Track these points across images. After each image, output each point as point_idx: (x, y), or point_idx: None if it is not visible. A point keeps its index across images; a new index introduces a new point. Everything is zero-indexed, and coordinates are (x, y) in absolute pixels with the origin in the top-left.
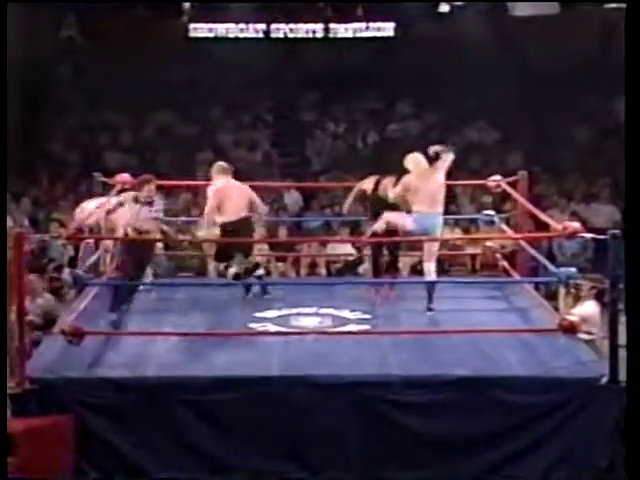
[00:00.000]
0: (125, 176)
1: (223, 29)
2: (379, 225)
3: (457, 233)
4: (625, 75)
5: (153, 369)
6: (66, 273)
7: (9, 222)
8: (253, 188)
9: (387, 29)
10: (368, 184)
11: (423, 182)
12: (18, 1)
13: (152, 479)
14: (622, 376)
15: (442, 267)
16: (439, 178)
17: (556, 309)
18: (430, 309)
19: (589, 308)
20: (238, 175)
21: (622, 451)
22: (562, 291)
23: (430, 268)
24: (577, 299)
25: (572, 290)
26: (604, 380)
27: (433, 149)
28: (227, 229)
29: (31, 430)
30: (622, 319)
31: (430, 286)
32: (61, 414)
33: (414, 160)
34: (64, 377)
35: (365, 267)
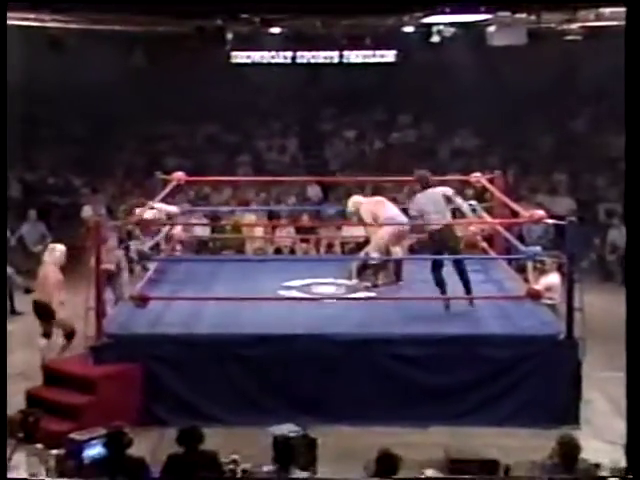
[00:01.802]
0: (180, 173)
1: (258, 56)
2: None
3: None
4: (625, 77)
5: (204, 327)
6: (133, 251)
7: (89, 211)
8: (282, 183)
9: (389, 56)
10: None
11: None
12: (19, 1)
13: (207, 419)
14: (576, 333)
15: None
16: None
17: (525, 280)
18: (400, 280)
19: (553, 279)
20: (271, 173)
21: (576, 394)
22: (530, 266)
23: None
24: (542, 272)
25: (538, 265)
26: (562, 336)
27: None
28: None
29: (107, 375)
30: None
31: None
32: (131, 363)
33: (356, 201)
34: (133, 333)
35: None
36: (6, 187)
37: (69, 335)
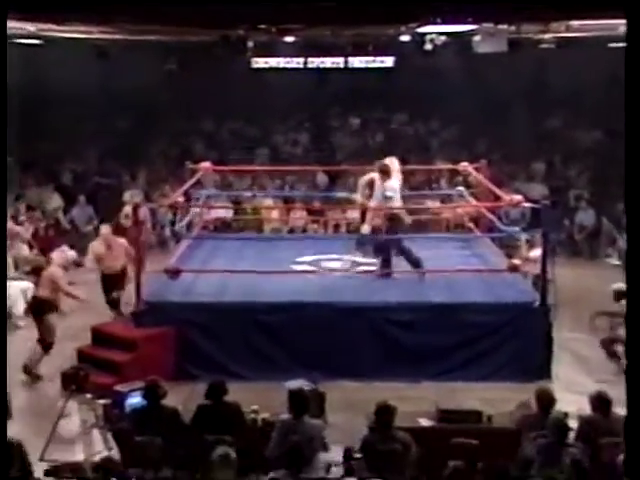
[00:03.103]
0: (207, 163)
1: (275, 62)
2: None
3: (437, 203)
4: (625, 81)
5: (228, 296)
6: (167, 230)
7: (127, 196)
8: (296, 172)
9: (388, 61)
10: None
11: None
12: (18, 8)
13: (231, 375)
14: (549, 300)
15: (426, 227)
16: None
17: (507, 255)
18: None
19: (539, 251)
20: (285, 162)
21: (548, 353)
22: (523, 240)
23: None
24: (532, 246)
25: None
26: (537, 303)
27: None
28: None
29: (147, 336)
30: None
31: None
32: (166, 326)
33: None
34: (168, 301)
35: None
36: (6, 187)
37: (46, 347)
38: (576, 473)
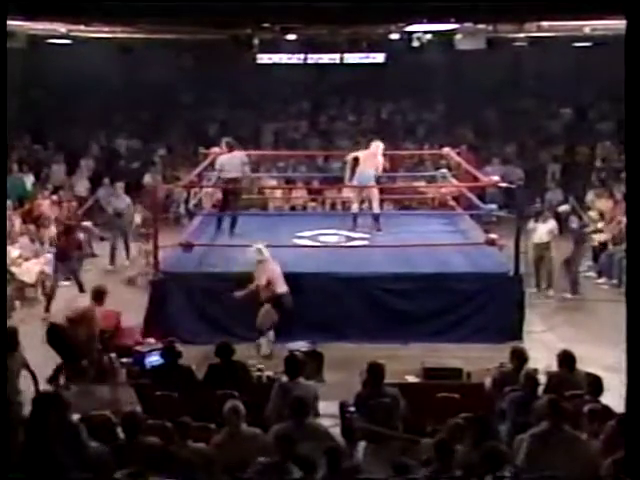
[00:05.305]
0: (217, 149)
1: (278, 58)
2: None
3: (423, 184)
4: (625, 81)
5: (236, 267)
6: (182, 208)
7: (149, 179)
8: (298, 156)
9: (379, 57)
10: (355, 155)
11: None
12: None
13: (237, 337)
14: (521, 270)
15: (412, 206)
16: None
17: (485, 231)
18: (379, 229)
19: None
20: (287, 148)
21: (520, 317)
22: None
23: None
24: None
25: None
26: (511, 273)
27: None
28: None
29: None
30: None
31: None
32: (181, 294)
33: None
34: (182, 271)
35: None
36: (5, 185)
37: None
38: (552, 409)
